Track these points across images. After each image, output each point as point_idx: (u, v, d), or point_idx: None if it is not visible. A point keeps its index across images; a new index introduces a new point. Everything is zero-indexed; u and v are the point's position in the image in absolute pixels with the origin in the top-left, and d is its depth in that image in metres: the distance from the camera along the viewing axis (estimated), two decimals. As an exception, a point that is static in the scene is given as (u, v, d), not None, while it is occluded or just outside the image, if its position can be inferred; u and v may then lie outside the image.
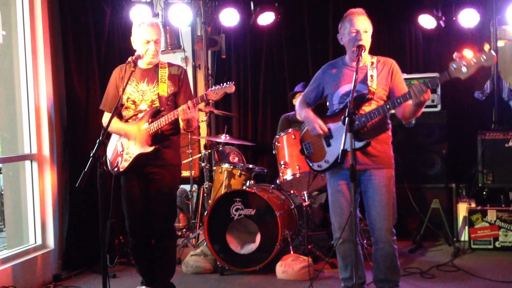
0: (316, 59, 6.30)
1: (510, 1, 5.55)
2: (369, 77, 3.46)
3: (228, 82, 3.65)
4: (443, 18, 5.83)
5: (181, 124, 3.76)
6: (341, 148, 3.23)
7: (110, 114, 3.76)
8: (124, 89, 3.65)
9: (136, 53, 3.78)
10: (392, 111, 3.47)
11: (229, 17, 6.08)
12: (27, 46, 4.63)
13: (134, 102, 3.81)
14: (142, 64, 3.84)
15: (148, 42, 3.74)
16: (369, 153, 3.46)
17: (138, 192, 3.85)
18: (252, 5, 6.09)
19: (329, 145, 3.55)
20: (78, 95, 4.88)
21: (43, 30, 4.65)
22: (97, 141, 3.13)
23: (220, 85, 3.64)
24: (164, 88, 3.78)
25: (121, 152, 3.83)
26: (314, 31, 6.37)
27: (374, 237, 3.54)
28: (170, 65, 3.90)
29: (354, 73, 3.30)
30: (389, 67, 3.53)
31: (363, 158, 3.46)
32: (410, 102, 3.29)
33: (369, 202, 3.51)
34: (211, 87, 3.68)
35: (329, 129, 3.54)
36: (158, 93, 3.77)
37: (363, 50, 3.43)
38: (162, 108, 3.77)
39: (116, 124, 3.82)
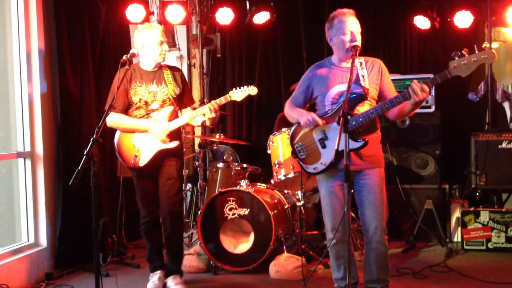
0: (311, 58, 6.29)
1: (504, 3, 5.58)
2: (361, 77, 3.46)
3: (251, 86, 4.14)
4: (438, 19, 5.86)
5: (207, 122, 4.12)
6: (335, 148, 3.22)
7: (116, 114, 4.04)
8: (118, 87, 3.69)
9: (146, 56, 4.05)
10: None
11: (225, 16, 6.07)
12: (21, 42, 4.60)
13: (146, 103, 4.07)
14: (147, 66, 4.10)
15: (162, 43, 4.05)
16: (363, 153, 3.46)
17: (152, 183, 4.14)
18: (247, 4, 6.09)
19: (324, 146, 3.52)
20: (72, 93, 4.86)
21: (38, 26, 4.63)
22: (91, 140, 3.12)
23: (243, 87, 4.11)
24: (172, 89, 4.09)
25: (138, 149, 4.06)
26: (309, 30, 6.38)
27: (368, 237, 3.52)
28: (169, 67, 4.20)
29: (349, 73, 3.28)
30: (379, 66, 3.54)
31: (357, 158, 3.46)
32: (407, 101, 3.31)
33: (364, 202, 3.50)
34: (234, 89, 4.12)
35: (323, 130, 3.52)
36: (169, 93, 4.07)
37: (357, 51, 3.43)
38: (176, 108, 4.13)
39: (132, 121, 4.05)
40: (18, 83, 4.63)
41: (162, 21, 5.93)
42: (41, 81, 4.67)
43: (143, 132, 4.05)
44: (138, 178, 4.15)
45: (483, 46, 3.11)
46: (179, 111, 4.19)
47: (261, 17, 6.13)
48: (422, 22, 5.88)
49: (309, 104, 3.75)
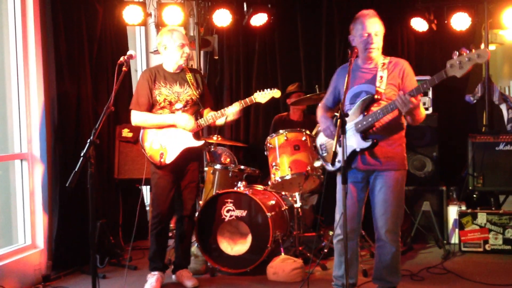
0: (308, 60, 6.31)
1: (501, 5, 5.59)
2: (378, 78, 3.52)
3: (274, 88, 4.30)
4: (435, 22, 5.87)
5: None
6: (333, 149, 3.25)
7: (141, 113, 4.18)
8: (115, 90, 3.65)
9: (168, 58, 4.19)
10: None
11: (222, 18, 6.07)
12: (18, 44, 4.59)
13: (170, 103, 4.20)
14: (170, 68, 4.24)
15: (183, 45, 4.18)
16: (378, 153, 3.50)
17: (172, 183, 4.25)
18: (245, 6, 6.09)
19: (340, 145, 3.59)
20: (69, 94, 4.85)
21: (35, 28, 4.62)
22: (88, 141, 3.11)
23: (267, 90, 4.28)
24: (194, 90, 4.23)
25: (164, 146, 4.19)
26: (307, 33, 6.38)
27: (376, 236, 3.63)
28: (190, 69, 4.36)
29: (368, 74, 3.45)
30: (400, 67, 3.58)
31: (371, 158, 3.51)
32: None
33: (374, 201, 3.59)
34: (259, 91, 4.30)
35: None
36: (192, 95, 4.22)
37: (352, 52, 3.47)
38: (200, 109, 4.29)
39: (158, 117, 4.18)
40: (15, 84, 4.61)
41: (160, 23, 5.92)
42: (38, 83, 4.66)
43: (169, 127, 4.18)
44: (160, 177, 4.24)
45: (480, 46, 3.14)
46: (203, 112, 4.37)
47: (259, 19, 6.13)
48: (419, 24, 5.89)
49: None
